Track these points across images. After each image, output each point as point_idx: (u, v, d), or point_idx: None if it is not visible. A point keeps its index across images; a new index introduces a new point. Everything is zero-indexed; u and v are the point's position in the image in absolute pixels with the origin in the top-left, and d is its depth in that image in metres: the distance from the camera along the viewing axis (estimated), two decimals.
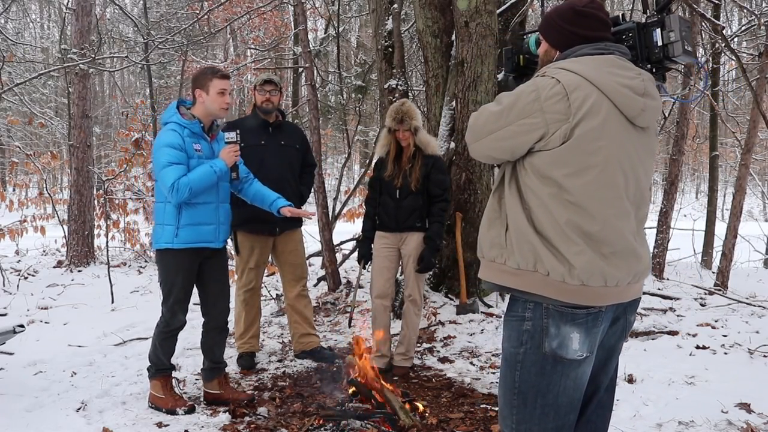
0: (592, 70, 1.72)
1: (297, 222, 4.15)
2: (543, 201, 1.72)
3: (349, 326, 4.88)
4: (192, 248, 3.20)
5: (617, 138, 1.72)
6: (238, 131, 3.31)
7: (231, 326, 4.94)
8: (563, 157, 1.70)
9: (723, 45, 7.39)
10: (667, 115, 8.35)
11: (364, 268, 4.21)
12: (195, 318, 5.40)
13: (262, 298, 6.00)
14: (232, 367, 4.09)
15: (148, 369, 3.37)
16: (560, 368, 1.75)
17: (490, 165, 5.40)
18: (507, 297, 5.78)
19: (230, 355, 4.27)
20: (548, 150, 1.71)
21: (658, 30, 1.81)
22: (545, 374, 1.76)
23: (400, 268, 4.11)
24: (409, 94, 6.09)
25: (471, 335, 4.67)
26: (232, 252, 4.16)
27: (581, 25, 1.80)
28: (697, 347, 4.25)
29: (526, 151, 1.76)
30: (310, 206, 5.52)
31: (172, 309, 3.25)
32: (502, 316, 5.25)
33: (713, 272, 7.36)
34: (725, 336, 4.48)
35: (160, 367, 3.33)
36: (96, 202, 8.69)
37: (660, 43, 1.81)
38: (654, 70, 1.86)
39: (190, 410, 3.27)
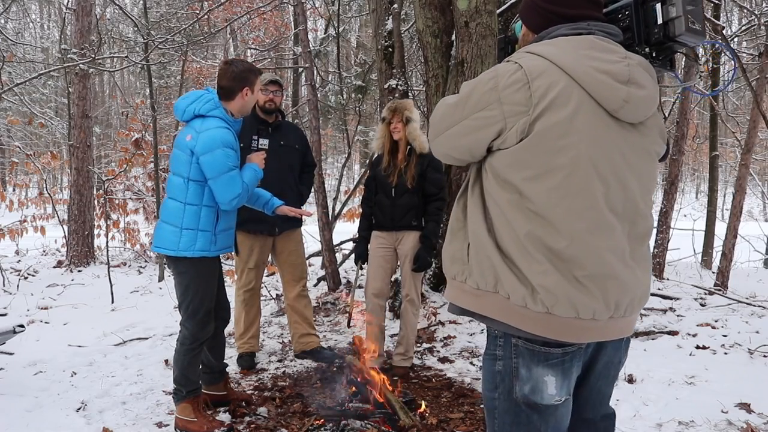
0: (564, 53, 1.45)
1: (296, 222, 4.14)
2: (502, 210, 1.47)
3: (348, 326, 4.88)
4: (220, 254, 3.07)
5: (591, 135, 1.42)
6: (268, 140, 3.26)
7: (231, 326, 4.96)
8: (522, 157, 1.44)
9: (723, 45, 7.39)
10: (667, 114, 8.36)
11: (361, 268, 4.21)
12: None
13: (262, 298, 6.01)
14: (232, 367, 4.09)
15: (175, 392, 3.09)
16: (536, 417, 1.51)
17: None
18: None
19: (230, 355, 4.27)
20: (506, 149, 1.46)
21: (659, 5, 1.50)
22: (521, 423, 1.52)
23: (398, 268, 4.11)
24: (409, 94, 6.08)
25: (471, 335, 4.67)
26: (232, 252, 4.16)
27: (560, 2, 1.54)
28: (697, 347, 4.25)
29: (485, 151, 1.52)
30: (311, 206, 5.51)
31: (201, 321, 3.01)
32: None
33: (713, 272, 7.36)
34: (725, 336, 4.48)
35: (191, 388, 3.06)
36: (96, 202, 8.69)
37: (660, 21, 1.50)
38: (654, 54, 1.55)
39: (230, 430, 3.05)
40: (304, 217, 3.95)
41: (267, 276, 6.96)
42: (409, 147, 3.87)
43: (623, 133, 1.47)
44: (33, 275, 7.59)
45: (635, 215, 1.50)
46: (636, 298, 1.50)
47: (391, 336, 4.35)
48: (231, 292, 6.40)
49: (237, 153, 2.93)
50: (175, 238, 2.92)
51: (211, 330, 3.11)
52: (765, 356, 4.04)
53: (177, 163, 2.95)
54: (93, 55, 7.09)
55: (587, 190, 1.42)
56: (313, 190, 6.38)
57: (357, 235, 4.19)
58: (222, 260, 8.16)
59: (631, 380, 3.67)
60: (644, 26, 1.54)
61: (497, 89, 1.45)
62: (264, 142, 3.22)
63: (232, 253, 4.15)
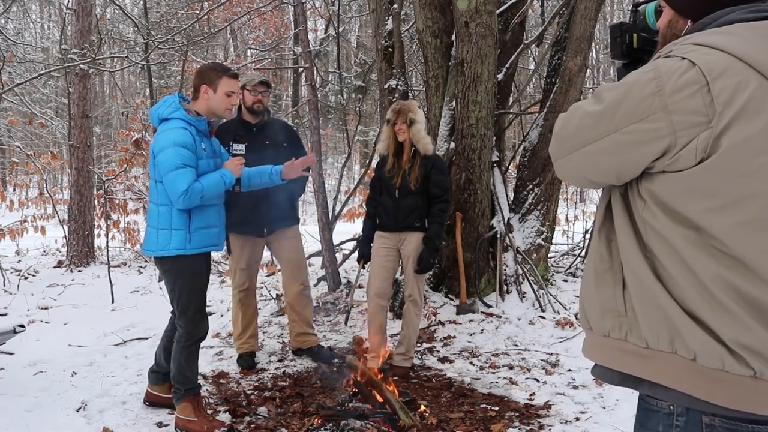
0: (749, 44, 1.12)
1: (290, 220, 4.12)
2: (675, 248, 1.14)
3: (345, 324, 4.89)
4: (202, 252, 3.09)
5: None
6: (246, 144, 3.28)
7: (229, 327, 4.96)
8: (703, 184, 1.11)
9: None
10: None
11: (364, 267, 4.22)
12: None
13: (261, 298, 6.02)
14: (232, 367, 4.10)
15: (174, 392, 3.11)
16: None
17: (490, 163, 5.40)
18: (507, 297, 5.76)
19: (230, 355, 4.28)
20: (677, 172, 1.13)
21: None
22: None
23: (399, 268, 4.12)
24: (409, 94, 6.09)
25: (471, 335, 4.67)
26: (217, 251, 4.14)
27: None
28: None
29: (639, 172, 1.19)
30: (310, 206, 5.50)
31: (193, 319, 3.05)
32: (501, 316, 5.17)
33: None
34: None
35: (189, 386, 3.08)
36: (96, 202, 8.69)
37: None
38: None
39: (230, 430, 3.05)
40: (302, 217, 3.94)
41: (267, 276, 6.96)
42: (413, 148, 3.88)
43: None
44: (33, 275, 7.59)
45: None
46: None
47: (392, 336, 4.35)
48: (230, 292, 6.42)
49: (192, 152, 2.94)
50: (154, 239, 3.02)
51: (206, 328, 3.14)
52: None
53: (150, 166, 3.06)
54: (93, 56, 7.09)
55: None
56: (313, 190, 6.40)
57: (358, 235, 4.20)
58: (221, 260, 8.17)
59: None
60: None
61: (662, 94, 1.12)
62: (239, 148, 3.21)
63: (226, 253, 4.17)
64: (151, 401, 3.35)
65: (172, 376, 3.11)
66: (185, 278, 3.04)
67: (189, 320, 3.05)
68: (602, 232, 1.29)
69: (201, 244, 3.04)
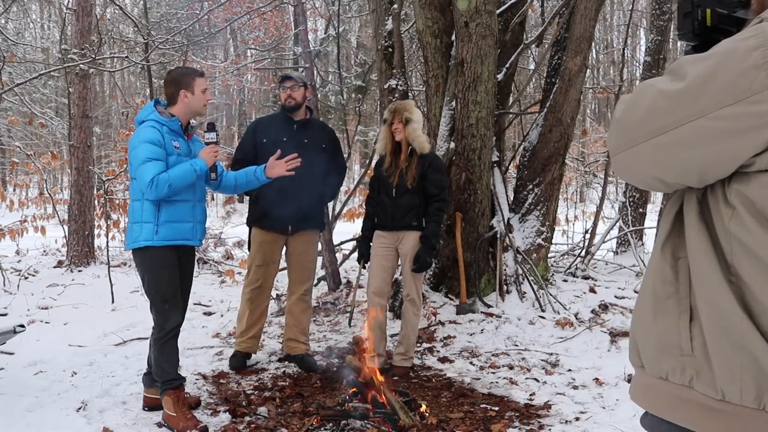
0: None
1: (315, 223, 4.09)
2: None
3: (349, 325, 4.90)
4: (172, 245, 3.14)
5: None
6: (217, 132, 3.33)
7: (229, 327, 4.96)
8: None
9: None
10: None
11: (364, 267, 4.22)
12: (194, 318, 5.42)
13: None
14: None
15: (159, 387, 3.17)
16: None
17: (490, 163, 5.40)
18: (507, 297, 5.77)
19: (230, 355, 4.27)
20: None
21: None
22: None
23: (399, 267, 4.12)
24: (409, 94, 6.09)
25: (471, 335, 4.67)
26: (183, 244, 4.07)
27: None
28: None
29: (731, 171, 0.93)
30: None
31: (162, 309, 3.13)
32: (501, 316, 5.16)
33: None
34: None
35: (167, 378, 3.13)
36: (96, 202, 8.69)
37: None
38: None
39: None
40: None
41: None
42: (410, 147, 3.88)
43: None
44: (33, 275, 7.59)
45: None
46: None
47: (392, 336, 4.35)
48: (233, 291, 6.42)
49: (160, 147, 3.07)
50: (129, 234, 3.19)
51: (178, 320, 3.19)
52: None
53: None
54: (93, 56, 7.09)
55: None
56: None
57: (358, 235, 4.21)
58: (221, 261, 8.16)
59: (630, 380, 3.67)
60: None
61: None
62: (211, 136, 3.24)
63: (231, 252, 4.16)
64: (149, 405, 3.34)
65: (153, 371, 3.17)
66: (153, 270, 3.15)
67: (159, 311, 3.15)
68: (667, 246, 1.02)
69: (169, 236, 3.13)
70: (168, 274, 3.16)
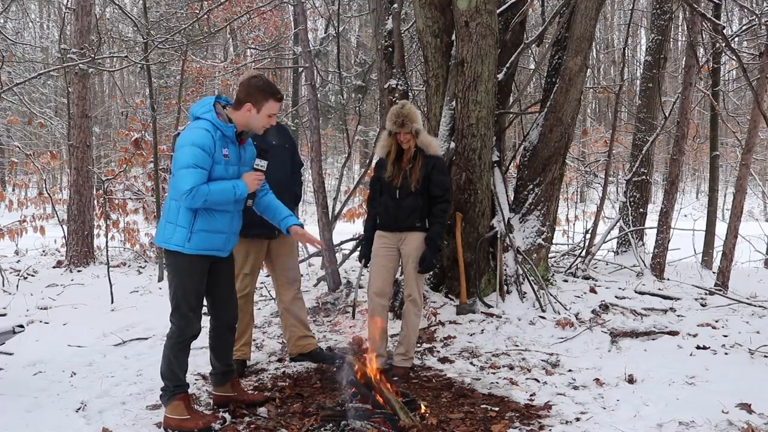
0: None
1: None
2: None
3: (350, 326, 4.89)
4: (202, 255, 3.06)
5: None
6: (267, 162, 3.24)
7: None
8: None
9: (723, 45, 7.39)
10: (667, 114, 8.36)
11: (365, 267, 4.21)
12: None
13: (261, 298, 6.02)
14: None
15: (163, 391, 3.10)
16: None
17: (490, 163, 5.39)
18: (507, 297, 5.77)
19: None
20: None
21: None
22: None
23: (400, 268, 4.11)
24: (409, 94, 6.08)
25: (471, 335, 4.67)
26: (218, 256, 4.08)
27: None
28: (698, 347, 4.24)
29: None
30: (310, 206, 5.48)
31: (186, 316, 3.05)
32: (501, 316, 5.17)
33: (714, 272, 7.35)
34: (726, 336, 4.48)
35: (178, 383, 3.08)
36: (96, 202, 8.69)
37: None
38: None
39: (223, 423, 3.07)
40: (302, 217, 3.91)
41: (267, 276, 6.95)
42: (415, 150, 3.89)
43: None
44: (32, 275, 7.59)
45: None
46: None
47: (392, 336, 4.34)
48: None
49: (208, 154, 2.94)
50: (162, 230, 3.09)
51: (198, 328, 3.12)
52: (766, 356, 4.03)
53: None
54: (93, 55, 7.08)
55: None
56: (313, 189, 6.39)
57: (358, 234, 4.20)
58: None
59: (631, 380, 3.67)
60: None
61: None
62: (261, 164, 3.18)
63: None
64: (218, 403, 3.35)
65: (161, 373, 3.11)
66: (181, 276, 3.06)
67: (181, 317, 3.06)
68: None
69: (201, 246, 3.03)
70: (197, 283, 3.09)
